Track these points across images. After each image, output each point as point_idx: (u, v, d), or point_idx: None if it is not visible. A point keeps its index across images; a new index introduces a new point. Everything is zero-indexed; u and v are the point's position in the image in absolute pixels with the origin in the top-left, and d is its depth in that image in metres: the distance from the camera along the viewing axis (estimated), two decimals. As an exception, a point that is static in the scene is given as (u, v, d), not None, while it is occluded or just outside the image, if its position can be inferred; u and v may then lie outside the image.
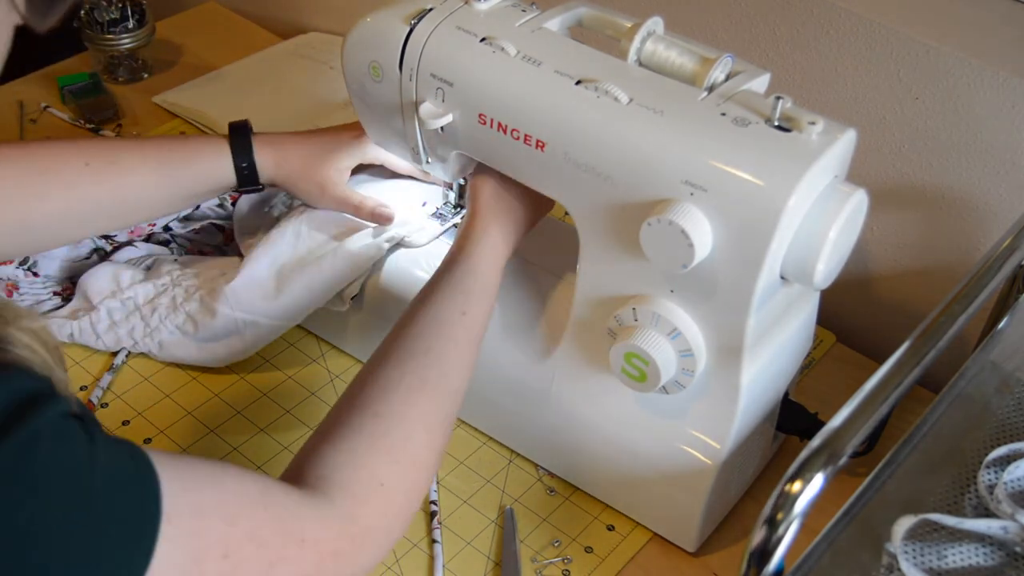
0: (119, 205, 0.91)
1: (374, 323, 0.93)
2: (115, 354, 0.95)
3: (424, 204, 0.96)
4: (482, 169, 0.83)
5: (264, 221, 0.99)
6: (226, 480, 0.57)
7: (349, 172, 0.94)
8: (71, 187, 0.88)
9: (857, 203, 0.71)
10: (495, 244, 0.80)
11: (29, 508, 0.46)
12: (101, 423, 0.54)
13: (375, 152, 0.94)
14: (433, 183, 0.97)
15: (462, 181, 0.93)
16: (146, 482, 0.51)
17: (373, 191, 0.95)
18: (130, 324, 0.93)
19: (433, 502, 0.85)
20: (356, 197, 0.93)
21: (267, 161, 0.94)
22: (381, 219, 0.93)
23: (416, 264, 0.92)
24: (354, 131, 0.94)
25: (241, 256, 1.00)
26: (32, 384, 0.48)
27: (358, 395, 0.69)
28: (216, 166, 0.93)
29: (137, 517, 0.50)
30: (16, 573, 0.45)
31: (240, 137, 0.94)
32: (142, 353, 0.95)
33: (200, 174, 0.93)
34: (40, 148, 0.89)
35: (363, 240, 0.91)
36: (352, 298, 0.92)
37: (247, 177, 0.94)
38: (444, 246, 0.93)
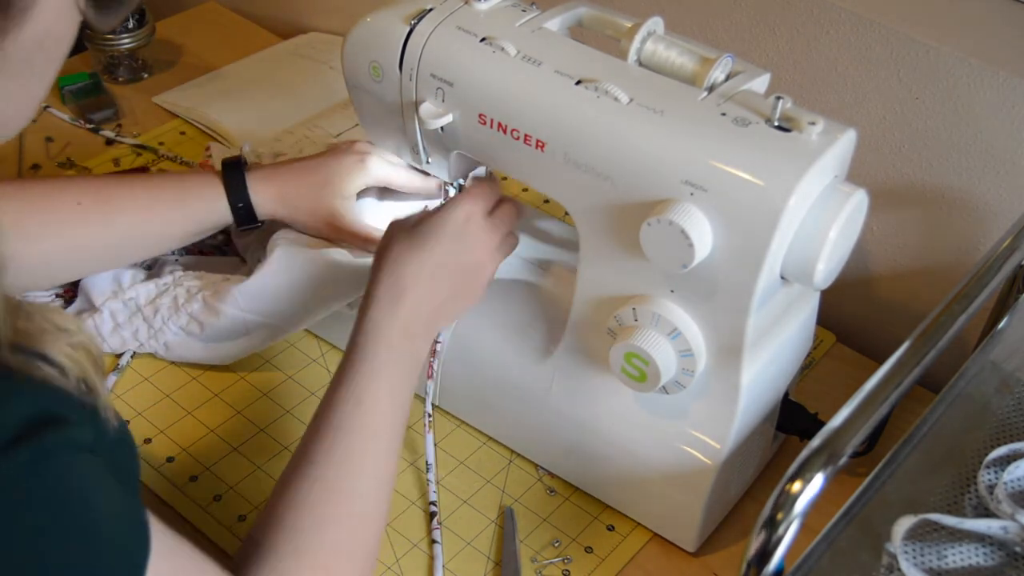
0: (109, 246, 0.90)
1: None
2: (119, 356, 0.95)
3: None
4: (400, 232, 0.77)
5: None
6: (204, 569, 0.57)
7: (354, 199, 0.91)
8: (64, 227, 0.87)
9: (857, 203, 0.71)
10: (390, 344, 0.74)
11: (19, 530, 0.45)
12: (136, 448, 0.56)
13: (378, 172, 0.91)
14: (431, 200, 0.96)
15: (462, 181, 0.93)
16: (139, 539, 0.51)
17: (372, 213, 0.94)
18: (134, 326, 0.93)
19: (433, 503, 0.85)
20: (365, 230, 0.90)
21: (265, 197, 0.91)
22: None
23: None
24: (355, 152, 0.91)
25: (241, 256, 1.00)
26: (55, 407, 0.48)
27: (277, 502, 0.68)
28: (210, 206, 0.91)
29: (126, 565, 0.50)
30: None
31: (234, 174, 0.91)
32: (146, 353, 0.95)
33: (194, 214, 0.91)
34: (36, 187, 0.88)
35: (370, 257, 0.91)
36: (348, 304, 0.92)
37: (244, 216, 0.91)
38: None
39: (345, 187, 0.90)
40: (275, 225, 0.94)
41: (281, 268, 0.89)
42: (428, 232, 0.77)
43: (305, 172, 0.92)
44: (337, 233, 0.91)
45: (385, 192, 0.95)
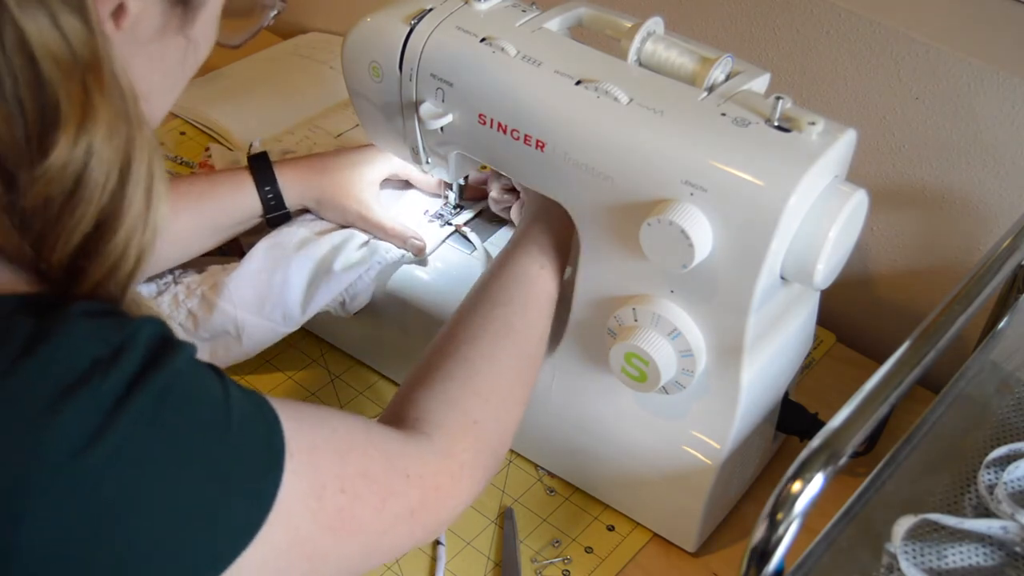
0: None
1: (375, 324, 0.93)
2: None
3: (426, 212, 0.96)
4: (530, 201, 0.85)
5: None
6: (334, 422, 0.59)
7: (378, 186, 0.93)
8: None
9: (857, 203, 0.71)
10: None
11: (178, 437, 0.48)
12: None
13: (399, 163, 0.93)
14: (435, 196, 0.97)
15: (462, 181, 0.93)
16: (270, 420, 0.54)
17: (391, 204, 0.95)
18: None
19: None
20: (388, 223, 0.92)
21: (293, 186, 0.92)
22: (413, 249, 0.91)
23: (418, 267, 0.92)
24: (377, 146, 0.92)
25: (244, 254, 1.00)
26: (167, 330, 0.51)
27: (448, 342, 0.73)
28: (238, 196, 0.92)
29: (266, 450, 0.53)
30: (166, 494, 0.48)
31: (261, 164, 0.92)
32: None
33: (223, 204, 0.92)
34: None
35: (361, 248, 0.91)
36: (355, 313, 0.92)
37: (273, 204, 0.92)
38: (447, 249, 0.93)
39: (370, 174, 0.92)
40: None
41: (263, 261, 0.90)
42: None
43: (331, 161, 0.94)
44: (363, 222, 0.92)
45: (405, 185, 0.97)
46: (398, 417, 0.68)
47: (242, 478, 0.51)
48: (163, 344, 0.49)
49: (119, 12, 0.50)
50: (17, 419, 0.45)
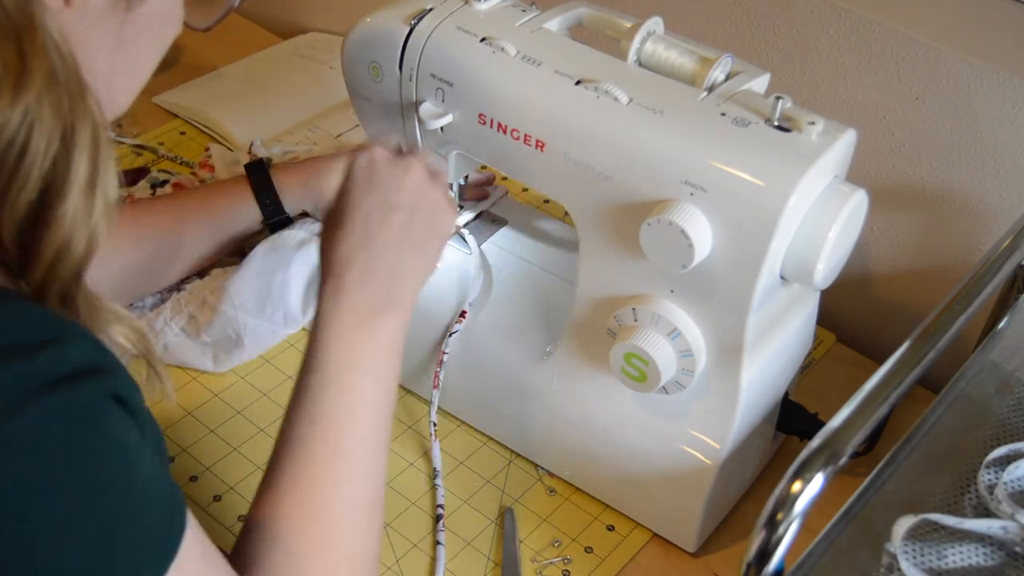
0: (148, 261, 0.90)
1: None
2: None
3: None
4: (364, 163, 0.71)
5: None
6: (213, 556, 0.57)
7: None
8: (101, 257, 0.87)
9: (857, 203, 0.71)
10: (352, 313, 0.67)
11: (91, 449, 0.47)
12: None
13: None
14: None
15: (462, 181, 0.93)
16: (177, 507, 0.52)
17: None
18: None
19: (440, 505, 0.85)
20: None
21: (291, 190, 0.92)
22: None
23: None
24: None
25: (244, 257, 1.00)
26: (103, 356, 0.49)
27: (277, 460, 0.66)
28: (237, 202, 0.91)
29: (168, 526, 0.51)
30: (63, 496, 0.46)
31: (257, 171, 0.92)
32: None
33: (223, 215, 0.92)
34: None
35: None
36: None
37: (272, 210, 0.92)
38: (446, 250, 0.93)
39: None
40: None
41: (263, 263, 0.90)
42: (339, 210, 0.70)
43: (329, 163, 0.93)
44: None
45: None
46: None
47: (133, 536, 0.49)
48: (96, 365, 0.48)
49: None
50: None
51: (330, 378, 0.65)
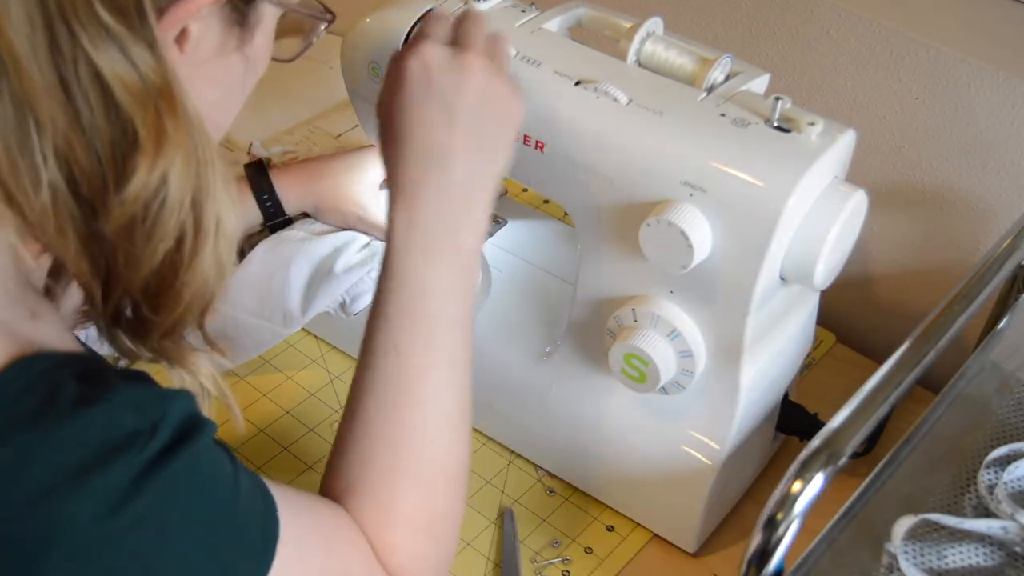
0: None
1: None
2: (118, 357, 0.94)
3: None
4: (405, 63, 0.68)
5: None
6: (321, 510, 0.61)
7: (378, 188, 0.92)
8: None
9: (857, 203, 0.71)
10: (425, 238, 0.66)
11: (193, 512, 0.50)
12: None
13: None
14: None
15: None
16: (268, 503, 0.55)
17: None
18: None
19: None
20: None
21: (291, 191, 0.92)
22: None
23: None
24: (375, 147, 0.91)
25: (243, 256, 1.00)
26: (195, 406, 0.53)
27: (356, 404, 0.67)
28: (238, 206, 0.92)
29: (263, 537, 0.54)
30: (176, 564, 0.49)
31: (257, 171, 0.92)
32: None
33: None
34: None
35: (362, 250, 0.91)
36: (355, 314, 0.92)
37: (272, 212, 0.92)
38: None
39: (369, 176, 0.92)
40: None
41: (263, 263, 0.90)
42: (398, 125, 0.67)
43: (327, 165, 0.93)
44: (363, 224, 0.92)
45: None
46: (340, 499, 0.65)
47: (239, 558, 0.53)
48: (192, 422, 0.51)
49: (182, 36, 0.52)
50: (52, 476, 0.46)
51: (410, 306, 0.65)
